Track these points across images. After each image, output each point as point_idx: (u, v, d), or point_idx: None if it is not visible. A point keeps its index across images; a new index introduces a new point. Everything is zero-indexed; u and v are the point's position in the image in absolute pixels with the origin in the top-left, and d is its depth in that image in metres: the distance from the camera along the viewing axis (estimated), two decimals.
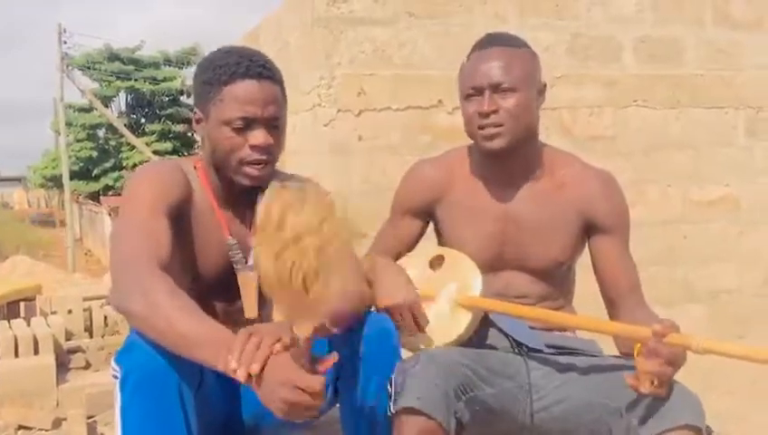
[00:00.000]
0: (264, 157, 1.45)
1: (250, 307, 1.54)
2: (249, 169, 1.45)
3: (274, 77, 1.48)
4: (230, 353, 1.12)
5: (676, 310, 2.93)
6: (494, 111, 1.55)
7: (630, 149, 3.00)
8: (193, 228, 1.50)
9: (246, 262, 1.54)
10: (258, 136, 1.43)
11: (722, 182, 3.16)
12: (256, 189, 1.53)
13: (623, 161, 2.93)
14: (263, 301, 1.58)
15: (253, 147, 1.43)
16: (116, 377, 1.28)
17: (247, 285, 1.53)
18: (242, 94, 1.42)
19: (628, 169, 2.93)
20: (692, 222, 3.11)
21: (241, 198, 1.55)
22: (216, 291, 1.52)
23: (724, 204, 3.16)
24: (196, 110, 1.51)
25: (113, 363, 1.30)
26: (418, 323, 1.56)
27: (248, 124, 1.43)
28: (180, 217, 1.45)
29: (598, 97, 2.95)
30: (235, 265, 1.53)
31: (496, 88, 1.55)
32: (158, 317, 1.20)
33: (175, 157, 19.19)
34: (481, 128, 1.57)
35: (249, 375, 1.11)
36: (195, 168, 1.54)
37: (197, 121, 1.52)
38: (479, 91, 1.57)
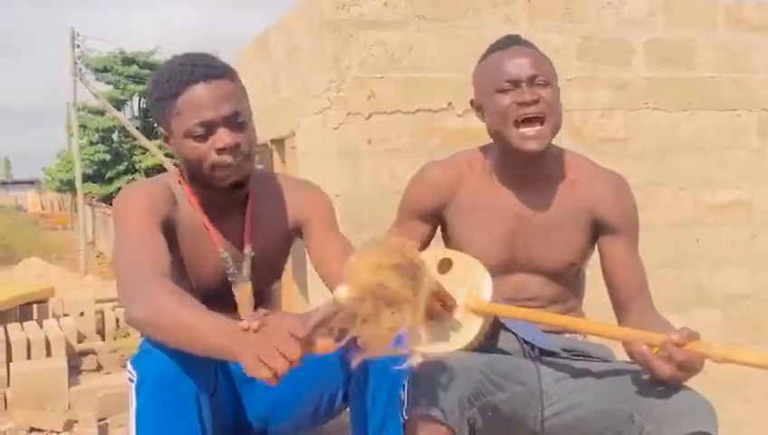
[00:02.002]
0: (231, 158, 1.41)
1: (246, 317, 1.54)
2: (221, 173, 1.43)
3: (223, 73, 1.44)
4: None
5: (688, 314, 2.91)
6: (536, 101, 1.53)
7: (642, 151, 2.98)
8: (183, 242, 1.50)
9: (241, 273, 1.54)
10: (222, 138, 1.40)
11: (734, 185, 3.13)
12: (240, 187, 1.50)
13: (634, 164, 2.92)
14: (262, 308, 1.59)
15: (219, 150, 1.40)
16: (132, 380, 1.28)
17: (242, 295, 1.54)
18: (194, 101, 1.39)
19: (640, 171, 2.92)
20: (704, 225, 3.08)
21: (229, 205, 1.53)
22: (211, 303, 1.52)
23: (736, 207, 3.13)
24: (160, 129, 1.49)
25: (129, 367, 1.30)
26: (447, 306, 1.53)
27: (209, 129, 1.40)
28: (170, 232, 1.45)
29: (609, 99, 2.93)
30: (230, 277, 1.53)
31: (533, 80, 1.54)
32: (161, 317, 1.20)
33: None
34: (518, 125, 1.54)
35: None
36: (180, 182, 1.53)
37: (166, 139, 1.50)
38: (515, 84, 1.54)
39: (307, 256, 1.64)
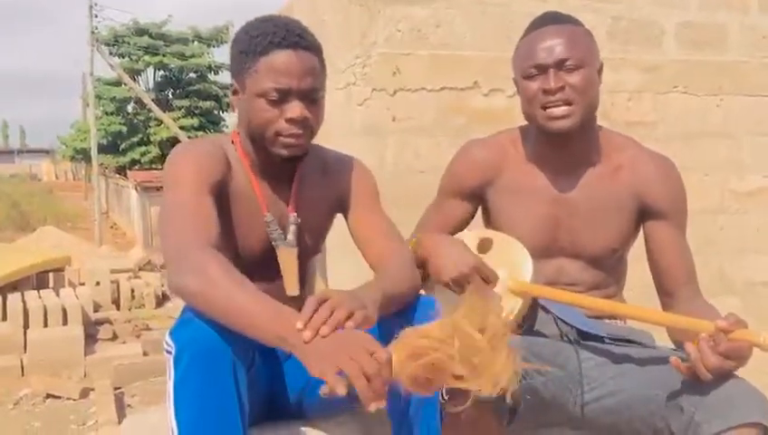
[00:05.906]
0: (299, 130, 1.42)
1: (291, 284, 1.52)
2: (285, 140, 1.43)
3: (312, 47, 1.45)
4: (298, 319, 1.13)
5: (711, 301, 2.87)
6: (561, 89, 1.50)
7: (669, 135, 2.93)
8: (233, 206, 1.48)
9: (285, 237, 1.52)
10: (294, 109, 1.40)
11: (761, 172, 3.08)
12: (294, 161, 1.50)
13: (661, 148, 2.80)
14: (303, 278, 1.57)
15: (288, 120, 1.41)
16: (169, 353, 1.27)
17: (287, 260, 1.52)
18: (277, 65, 1.39)
19: (667, 156, 2.86)
20: (729, 212, 3.04)
21: (279, 172, 1.53)
22: (255, 269, 1.50)
23: (763, 195, 3.08)
24: (233, 81, 1.49)
25: (167, 338, 1.28)
26: (489, 281, 1.51)
27: (284, 96, 1.40)
28: (221, 195, 1.44)
29: (638, 82, 2.88)
30: (273, 242, 1.51)
31: (561, 65, 1.51)
32: (216, 293, 1.19)
33: (204, 134, 19.24)
34: (544, 107, 1.52)
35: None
36: (232, 142, 1.52)
37: (234, 93, 1.50)
38: (542, 70, 1.52)
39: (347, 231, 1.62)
